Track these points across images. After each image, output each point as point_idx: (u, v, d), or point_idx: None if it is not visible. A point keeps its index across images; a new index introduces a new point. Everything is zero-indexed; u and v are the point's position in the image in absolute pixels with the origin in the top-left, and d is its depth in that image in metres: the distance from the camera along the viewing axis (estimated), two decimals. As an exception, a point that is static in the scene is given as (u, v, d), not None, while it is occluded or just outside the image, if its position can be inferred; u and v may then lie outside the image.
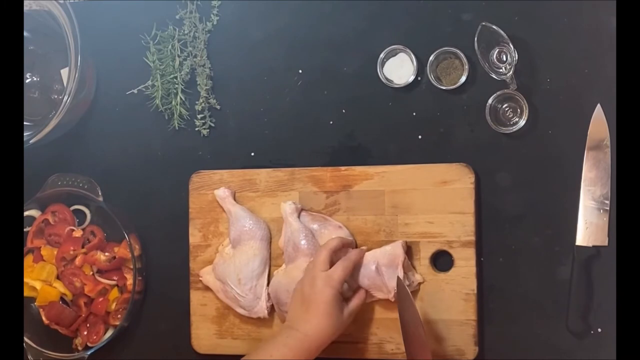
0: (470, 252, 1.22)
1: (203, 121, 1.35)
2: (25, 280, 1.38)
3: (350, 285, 1.22)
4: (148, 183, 1.39)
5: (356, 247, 1.26)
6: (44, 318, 1.38)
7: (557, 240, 1.21)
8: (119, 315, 1.36)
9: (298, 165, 1.31)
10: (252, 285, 1.28)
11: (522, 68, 1.21)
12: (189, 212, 1.34)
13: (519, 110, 1.22)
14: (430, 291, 1.24)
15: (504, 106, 1.24)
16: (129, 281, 1.35)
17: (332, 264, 1.18)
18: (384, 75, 1.27)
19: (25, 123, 1.39)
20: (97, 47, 1.39)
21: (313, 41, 1.32)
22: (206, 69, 1.35)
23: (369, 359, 1.26)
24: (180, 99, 1.36)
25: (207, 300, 1.33)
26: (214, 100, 1.35)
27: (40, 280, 1.38)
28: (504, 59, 1.21)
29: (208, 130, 1.36)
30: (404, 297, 1.16)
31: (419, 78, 1.27)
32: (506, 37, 1.18)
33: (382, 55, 1.27)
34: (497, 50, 1.21)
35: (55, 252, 1.38)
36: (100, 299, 1.37)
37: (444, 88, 1.25)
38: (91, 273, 1.37)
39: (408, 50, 1.26)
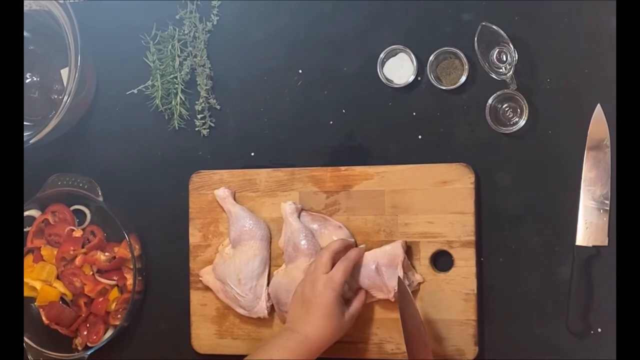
0: (470, 252, 1.22)
1: (203, 121, 1.35)
2: (25, 280, 1.38)
3: (350, 286, 1.22)
4: (148, 183, 1.39)
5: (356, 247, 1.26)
6: (44, 318, 1.38)
7: (557, 240, 1.21)
8: (119, 315, 1.36)
9: (298, 165, 1.31)
10: (252, 285, 1.28)
11: (522, 68, 1.21)
12: (189, 212, 1.34)
13: (519, 110, 1.22)
14: (430, 291, 1.24)
15: (504, 106, 1.24)
16: (129, 281, 1.35)
17: (333, 266, 1.18)
18: (384, 75, 1.27)
19: (25, 123, 1.39)
20: (97, 47, 1.39)
21: (313, 41, 1.32)
22: (206, 69, 1.35)
23: (369, 359, 1.26)
24: (180, 99, 1.36)
25: (207, 300, 1.33)
26: (214, 100, 1.35)
27: (40, 280, 1.38)
28: (504, 59, 1.21)
29: (208, 130, 1.36)
30: (405, 297, 1.16)
31: (419, 78, 1.27)
32: (506, 37, 1.18)
33: (382, 55, 1.27)
34: (497, 50, 1.21)
35: (55, 252, 1.38)
36: (100, 299, 1.37)
37: (444, 88, 1.25)
38: (91, 273, 1.37)
39: (408, 50, 1.26)
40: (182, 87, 1.36)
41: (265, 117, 1.34)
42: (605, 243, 1.19)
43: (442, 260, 1.25)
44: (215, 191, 1.32)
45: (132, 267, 1.34)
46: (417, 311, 1.15)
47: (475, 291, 1.22)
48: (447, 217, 1.23)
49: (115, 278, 1.37)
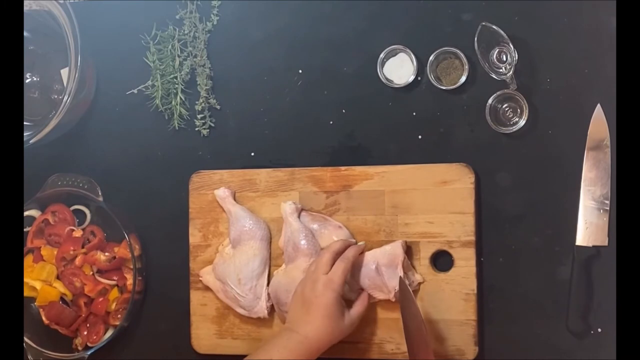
0: (470, 252, 1.22)
1: (203, 121, 1.35)
2: (25, 280, 1.38)
3: (351, 286, 1.22)
4: (148, 183, 1.39)
5: (356, 247, 1.26)
6: (44, 318, 1.38)
7: (557, 240, 1.21)
8: (119, 315, 1.36)
9: (298, 165, 1.31)
10: (252, 285, 1.28)
11: (522, 68, 1.21)
12: (189, 212, 1.34)
13: (519, 110, 1.23)
14: (430, 291, 1.24)
15: (504, 106, 1.24)
16: (129, 281, 1.35)
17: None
18: (384, 75, 1.27)
19: (25, 123, 1.39)
20: (97, 47, 1.39)
21: (313, 41, 1.32)
22: (206, 69, 1.35)
23: (369, 359, 1.26)
24: (180, 99, 1.36)
25: (207, 300, 1.33)
26: (214, 100, 1.35)
27: (40, 280, 1.38)
28: (504, 59, 1.21)
29: (208, 130, 1.36)
30: (406, 296, 1.16)
31: (419, 78, 1.27)
32: (506, 37, 1.18)
33: (382, 55, 1.27)
34: (497, 50, 1.21)
35: (55, 252, 1.38)
36: (100, 299, 1.37)
37: (444, 88, 1.25)
38: (91, 273, 1.37)
39: (408, 50, 1.26)
40: (182, 87, 1.36)
41: (265, 117, 1.34)
42: (605, 243, 1.19)
43: (442, 260, 1.24)
44: (215, 191, 1.32)
45: (132, 267, 1.34)
46: (418, 311, 1.15)
47: (475, 291, 1.22)
48: (447, 217, 1.23)
49: (115, 278, 1.37)
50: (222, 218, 1.33)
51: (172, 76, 1.36)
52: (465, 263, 1.22)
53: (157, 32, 1.36)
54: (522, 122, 1.22)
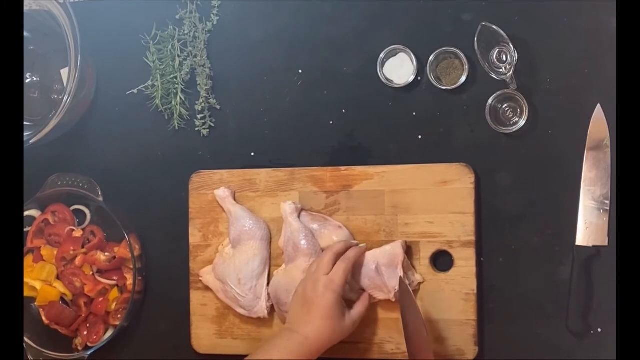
0: (470, 252, 1.22)
1: (203, 121, 1.35)
2: (25, 280, 1.38)
3: (351, 287, 1.22)
4: (148, 183, 1.39)
5: (356, 247, 1.26)
6: (44, 318, 1.38)
7: (557, 240, 1.21)
8: (119, 315, 1.36)
9: (298, 165, 1.31)
10: (252, 285, 1.28)
11: (522, 68, 1.21)
12: (189, 212, 1.34)
13: (519, 110, 1.23)
14: (430, 291, 1.24)
15: (504, 106, 1.24)
16: (129, 281, 1.35)
17: None
18: (384, 75, 1.27)
19: (25, 123, 1.39)
20: (97, 47, 1.39)
21: (313, 41, 1.32)
22: (206, 69, 1.35)
23: (369, 359, 1.26)
24: (180, 99, 1.36)
25: (207, 300, 1.33)
26: (214, 100, 1.35)
27: (40, 280, 1.38)
28: (504, 59, 1.21)
29: (208, 130, 1.36)
30: (406, 296, 1.16)
31: (419, 78, 1.27)
32: (506, 37, 1.18)
33: (382, 55, 1.27)
34: (497, 50, 1.21)
35: (55, 252, 1.38)
36: (100, 299, 1.37)
37: (444, 88, 1.25)
38: (91, 273, 1.37)
39: (408, 50, 1.26)
40: (182, 87, 1.36)
41: (265, 117, 1.34)
42: (605, 243, 1.19)
43: (442, 260, 1.24)
44: (215, 191, 1.32)
45: (132, 267, 1.34)
46: (418, 311, 1.15)
47: (475, 291, 1.22)
48: (447, 217, 1.23)
49: (115, 278, 1.37)
50: (222, 218, 1.33)
51: (172, 76, 1.36)
52: (465, 263, 1.22)
53: (157, 32, 1.36)
54: (522, 122, 1.22)
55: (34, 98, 1.43)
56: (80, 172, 1.38)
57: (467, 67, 1.24)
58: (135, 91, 1.38)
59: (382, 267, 1.21)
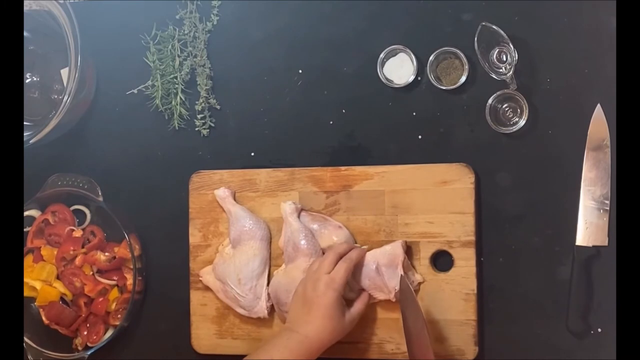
0: (470, 252, 1.22)
1: (203, 121, 1.35)
2: (25, 280, 1.38)
3: (351, 287, 1.22)
4: (148, 183, 1.39)
5: (356, 247, 1.26)
6: (44, 318, 1.38)
7: (557, 240, 1.21)
8: (119, 315, 1.36)
9: (298, 165, 1.31)
10: (252, 285, 1.28)
11: (522, 68, 1.21)
12: (189, 212, 1.34)
13: (519, 110, 1.23)
14: (430, 291, 1.24)
15: (504, 106, 1.24)
16: (129, 281, 1.35)
17: None
18: (384, 75, 1.27)
19: (25, 123, 1.39)
20: (97, 47, 1.39)
21: (313, 41, 1.32)
22: (206, 69, 1.35)
23: (369, 359, 1.26)
24: (180, 99, 1.36)
25: (207, 300, 1.33)
26: (214, 100, 1.35)
27: (40, 280, 1.38)
28: (504, 59, 1.21)
29: (208, 130, 1.36)
30: (407, 296, 1.16)
31: (419, 78, 1.27)
32: (506, 37, 1.18)
33: (382, 55, 1.27)
34: (497, 50, 1.21)
35: (55, 252, 1.38)
36: (100, 299, 1.37)
37: (444, 88, 1.25)
38: (91, 273, 1.37)
39: (408, 50, 1.26)
40: (182, 87, 1.36)
41: (265, 117, 1.34)
42: (605, 243, 1.19)
43: (442, 260, 1.24)
44: (215, 191, 1.32)
45: (132, 267, 1.34)
46: (420, 310, 1.15)
47: (475, 291, 1.22)
48: (447, 217, 1.23)
49: (115, 278, 1.37)
50: (222, 218, 1.33)
51: (172, 76, 1.36)
52: (465, 263, 1.22)
53: (157, 32, 1.36)
54: (522, 122, 1.22)
55: (34, 98, 1.43)
56: (80, 172, 1.38)
57: (467, 67, 1.24)
58: (135, 91, 1.38)
59: (382, 267, 1.21)
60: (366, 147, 1.29)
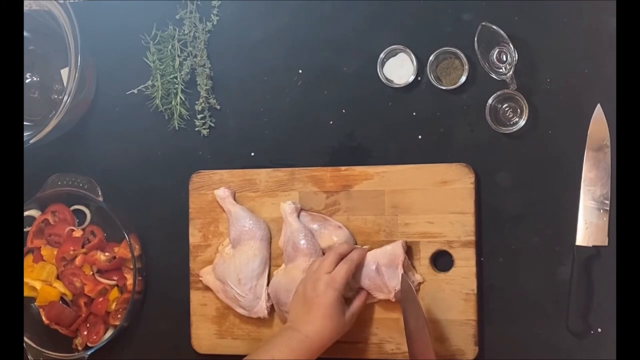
0: (470, 252, 1.22)
1: (203, 121, 1.35)
2: (25, 280, 1.38)
3: (351, 286, 1.22)
4: (148, 183, 1.39)
5: (356, 247, 1.26)
6: (44, 318, 1.38)
7: (557, 240, 1.21)
8: (119, 315, 1.36)
9: (298, 165, 1.31)
10: (252, 285, 1.28)
11: (522, 68, 1.21)
12: (189, 212, 1.34)
13: (519, 110, 1.23)
14: (430, 291, 1.24)
15: (504, 106, 1.24)
16: (129, 281, 1.35)
17: None
18: (384, 75, 1.27)
19: (25, 123, 1.39)
20: (97, 47, 1.39)
21: (313, 41, 1.32)
22: (206, 69, 1.35)
23: (369, 359, 1.26)
24: (180, 99, 1.36)
25: (207, 300, 1.33)
26: (214, 100, 1.35)
27: (40, 280, 1.38)
28: (504, 59, 1.21)
29: (208, 130, 1.36)
30: (409, 296, 1.16)
31: (419, 78, 1.27)
32: (506, 37, 1.18)
33: (382, 55, 1.27)
34: (497, 50, 1.21)
35: (55, 252, 1.38)
36: (100, 299, 1.37)
37: (444, 88, 1.25)
38: (91, 273, 1.37)
39: (408, 50, 1.26)
40: (182, 87, 1.36)
41: (265, 117, 1.34)
42: (605, 243, 1.19)
43: (442, 260, 1.24)
44: (215, 191, 1.32)
45: (132, 267, 1.34)
46: (421, 310, 1.15)
47: (475, 291, 1.22)
48: (447, 217, 1.23)
49: (115, 278, 1.37)
50: (222, 218, 1.33)
51: (172, 76, 1.36)
52: (465, 263, 1.22)
53: (157, 32, 1.36)
54: (522, 122, 1.22)
55: (34, 98, 1.43)
56: (80, 172, 1.38)
57: (467, 67, 1.24)
58: (135, 91, 1.38)
59: (383, 267, 1.21)
60: (366, 147, 1.29)
